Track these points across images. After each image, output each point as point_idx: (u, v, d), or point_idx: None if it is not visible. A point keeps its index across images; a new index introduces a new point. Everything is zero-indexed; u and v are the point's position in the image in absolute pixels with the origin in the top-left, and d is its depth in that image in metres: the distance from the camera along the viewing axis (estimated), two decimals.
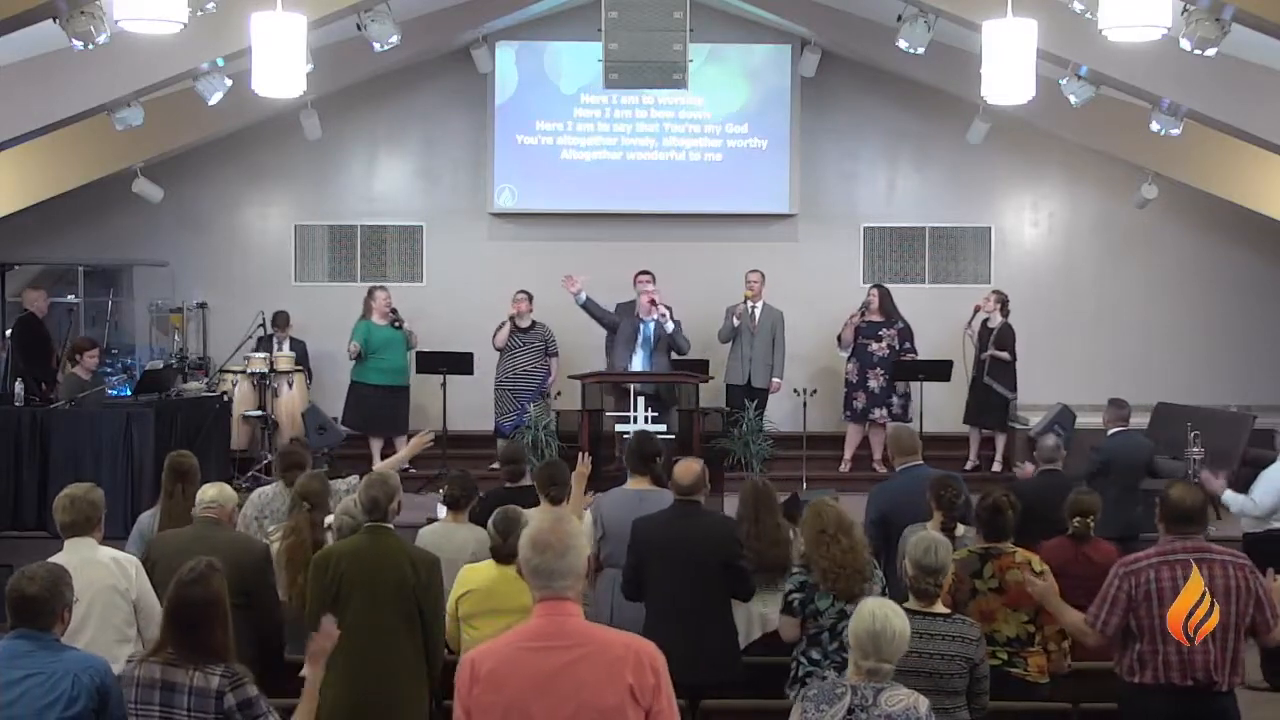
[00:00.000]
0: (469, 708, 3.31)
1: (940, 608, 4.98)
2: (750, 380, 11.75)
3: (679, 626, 5.51)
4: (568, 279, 10.91)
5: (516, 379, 11.83)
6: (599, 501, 6.47)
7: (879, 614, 4.09)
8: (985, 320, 11.92)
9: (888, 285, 12.40)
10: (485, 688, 3.28)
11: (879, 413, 11.89)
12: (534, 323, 11.90)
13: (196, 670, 3.99)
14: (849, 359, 12.02)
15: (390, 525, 5.24)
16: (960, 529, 6.21)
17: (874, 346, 11.90)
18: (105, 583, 5.09)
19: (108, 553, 5.19)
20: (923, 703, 4.10)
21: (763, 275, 11.93)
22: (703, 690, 5.37)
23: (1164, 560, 4.89)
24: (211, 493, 5.87)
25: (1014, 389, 11.86)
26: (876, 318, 11.95)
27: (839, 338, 12.05)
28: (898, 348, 11.91)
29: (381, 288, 12.13)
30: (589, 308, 11.00)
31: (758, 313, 11.85)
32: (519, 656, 3.29)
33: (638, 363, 10.93)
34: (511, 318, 11.87)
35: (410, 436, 12.05)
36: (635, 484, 6.45)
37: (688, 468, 5.90)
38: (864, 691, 4.05)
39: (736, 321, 11.79)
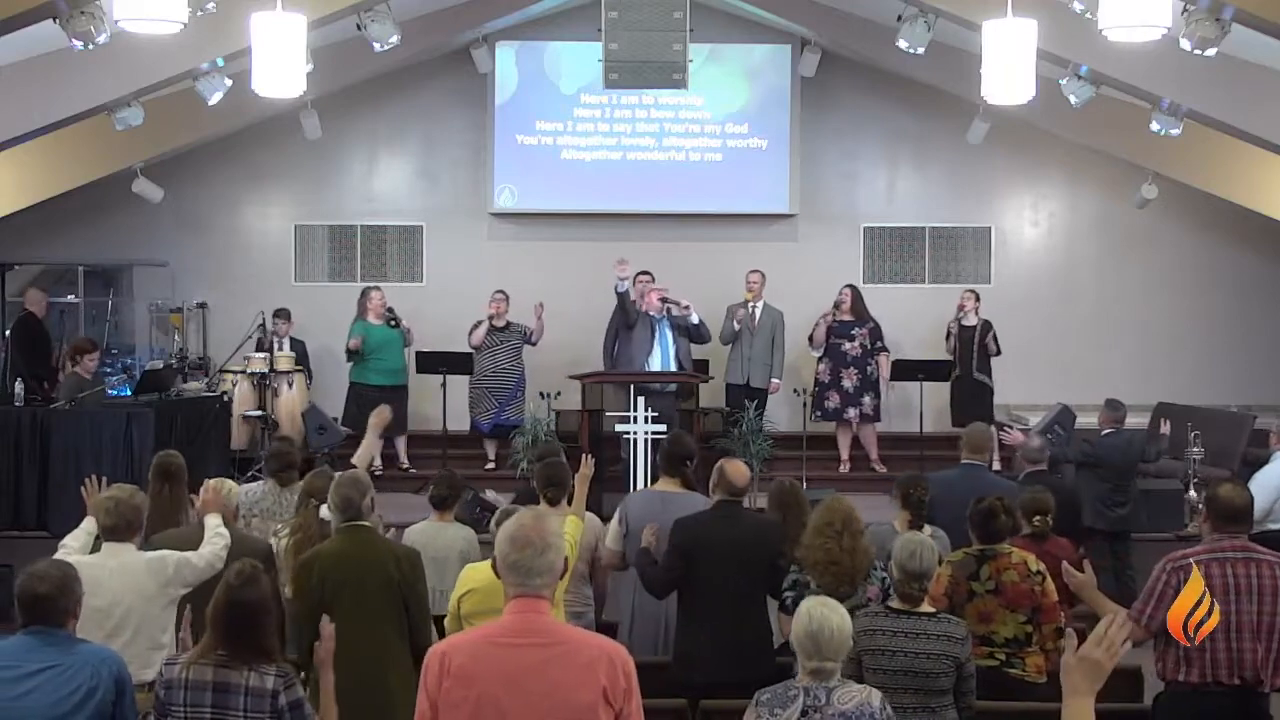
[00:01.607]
0: (435, 701, 3.29)
1: (926, 607, 5.00)
2: (749, 380, 11.75)
3: (720, 625, 5.51)
4: (621, 263, 10.89)
5: (494, 377, 11.82)
6: (626, 501, 6.49)
7: (815, 614, 4.11)
8: (961, 319, 11.95)
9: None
10: (456, 682, 3.27)
11: (852, 412, 11.88)
12: (509, 323, 11.89)
13: (251, 671, 4.07)
14: (820, 359, 12.02)
15: (367, 523, 5.24)
16: (928, 529, 6.21)
17: (847, 346, 11.89)
18: (142, 592, 5.10)
19: (143, 559, 5.20)
20: (875, 696, 4.13)
21: (763, 275, 11.93)
22: (734, 690, 5.31)
23: (1213, 557, 4.89)
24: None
25: (993, 380, 11.95)
26: (848, 317, 11.95)
27: (810, 338, 12.02)
28: (870, 346, 11.92)
29: (376, 288, 12.12)
30: (623, 297, 10.99)
31: (758, 313, 11.85)
32: (492, 652, 3.29)
33: (656, 361, 10.97)
34: (490, 317, 11.86)
35: (409, 437, 12.17)
36: (664, 485, 6.43)
37: (740, 469, 5.87)
38: (816, 692, 4.06)
39: (737, 326, 11.79)
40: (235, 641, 4.10)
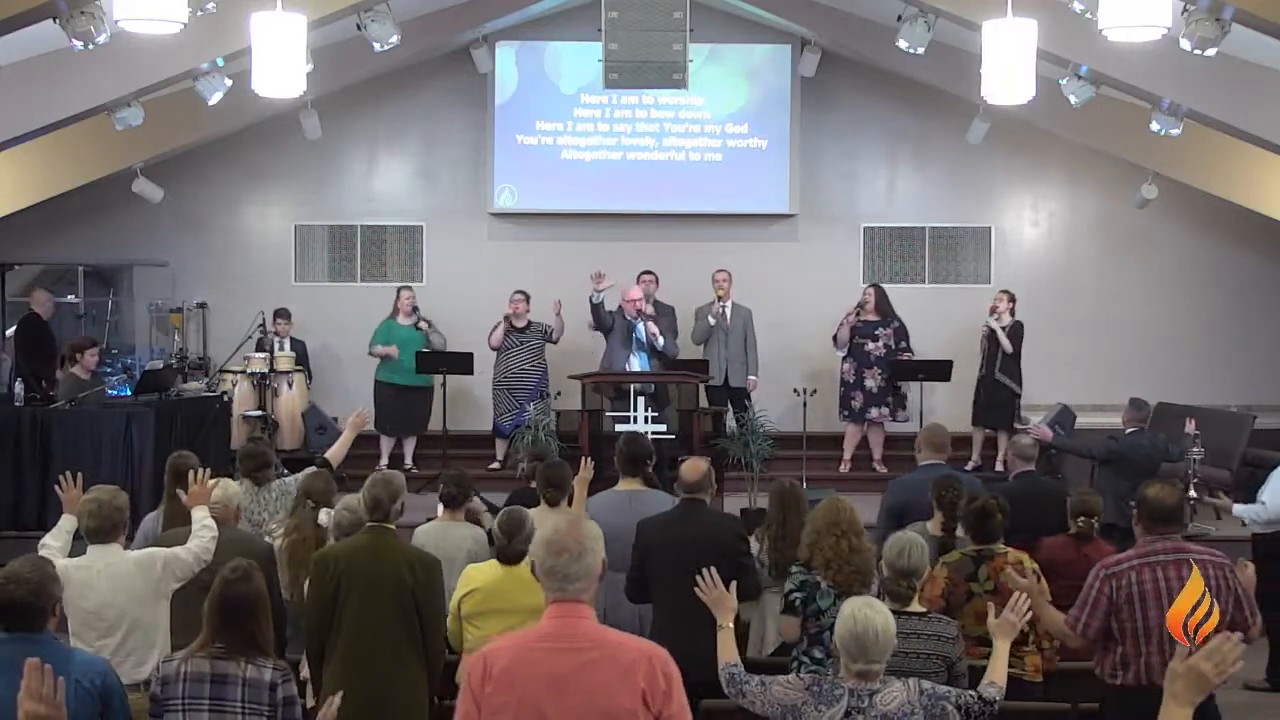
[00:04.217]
0: (480, 703, 3.29)
1: (916, 606, 5.01)
2: (728, 380, 11.76)
3: (687, 626, 5.49)
4: (598, 276, 10.96)
5: (514, 378, 11.83)
6: (589, 504, 6.46)
7: (859, 615, 4.08)
8: (997, 320, 11.93)
9: (885, 285, 12.42)
10: (498, 686, 3.27)
11: (876, 412, 11.87)
12: (530, 322, 11.91)
13: (249, 663, 4.14)
14: (845, 359, 12.01)
15: (392, 525, 5.23)
16: (960, 530, 6.22)
17: (870, 346, 11.87)
18: (133, 591, 5.09)
19: (131, 559, 5.20)
20: (914, 686, 4.12)
21: (730, 274, 11.92)
22: (713, 689, 5.33)
23: (1145, 562, 4.89)
24: (216, 493, 5.87)
25: (1020, 385, 11.89)
26: (873, 317, 11.93)
27: (834, 337, 12.00)
28: (894, 347, 11.89)
29: (406, 287, 12.25)
30: (598, 308, 11.04)
31: (729, 312, 11.87)
32: (533, 656, 3.29)
33: (636, 363, 10.99)
34: (508, 317, 11.87)
35: (417, 439, 12.14)
36: (626, 486, 6.44)
37: (694, 466, 5.89)
38: (860, 693, 4.06)
39: (713, 321, 11.80)
40: (231, 635, 4.17)
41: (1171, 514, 4.96)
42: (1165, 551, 4.89)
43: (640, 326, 11.07)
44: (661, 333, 11.18)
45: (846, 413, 11.98)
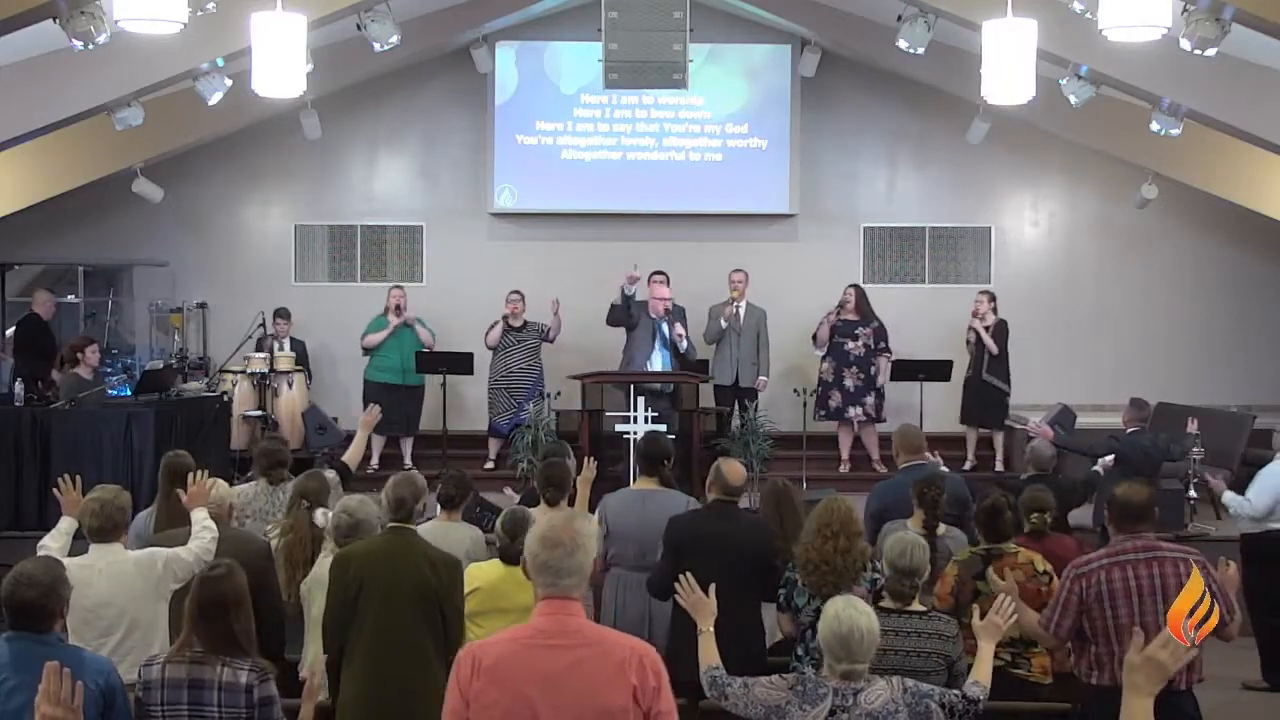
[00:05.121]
0: (468, 698, 3.29)
1: (917, 605, 5.01)
2: (738, 380, 11.77)
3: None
4: (632, 276, 11.05)
5: (511, 378, 11.83)
6: (605, 501, 6.47)
7: (843, 616, 4.09)
8: (981, 320, 11.95)
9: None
10: (487, 682, 3.26)
11: (854, 411, 11.88)
12: (526, 322, 11.91)
13: (225, 667, 4.11)
14: (824, 358, 12.02)
15: (413, 526, 5.21)
16: (941, 528, 6.22)
17: (850, 345, 11.88)
18: (133, 591, 5.11)
19: (131, 558, 5.20)
20: (897, 684, 4.13)
21: (746, 275, 11.94)
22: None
23: (1115, 561, 4.90)
24: (211, 493, 5.86)
25: (1009, 384, 11.91)
26: (852, 316, 11.93)
27: (814, 336, 12.02)
28: (873, 346, 11.90)
29: (398, 286, 12.23)
30: (630, 300, 11.06)
31: (742, 312, 11.88)
32: (524, 653, 3.29)
33: (658, 362, 11.03)
34: (505, 317, 11.87)
35: (414, 439, 12.13)
36: (642, 485, 6.45)
37: (736, 469, 5.89)
38: (844, 692, 4.07)
39: (725, 323, 11.81)
40: (208, 632, 4.15)
41: (1141, 512, 4.96)
42: (1135, 550, 4.90)
43: (665, 326, 11.11)
44: (686, 336, 11.22)
45: (824, 412, 11.97)
